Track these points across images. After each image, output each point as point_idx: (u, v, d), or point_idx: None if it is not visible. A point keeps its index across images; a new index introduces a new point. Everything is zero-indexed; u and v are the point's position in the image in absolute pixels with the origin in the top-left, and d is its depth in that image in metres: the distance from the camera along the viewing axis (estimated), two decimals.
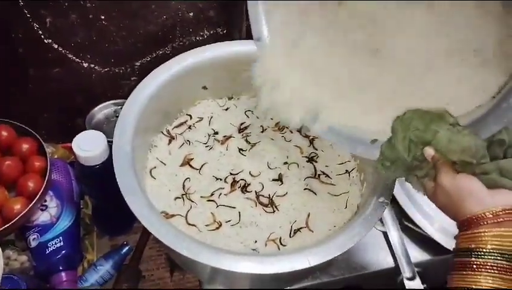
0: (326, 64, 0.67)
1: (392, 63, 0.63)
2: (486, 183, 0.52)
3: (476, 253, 0.49)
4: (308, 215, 0.71)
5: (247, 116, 0.85)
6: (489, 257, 0.49)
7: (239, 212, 0.70)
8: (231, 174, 0.74)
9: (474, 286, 0.49)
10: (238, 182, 0.72)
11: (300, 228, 0.70)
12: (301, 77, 0.68)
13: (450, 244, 0.81)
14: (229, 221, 0.69)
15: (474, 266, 0.49)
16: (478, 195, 0.51)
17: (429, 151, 0.56)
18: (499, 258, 0.48)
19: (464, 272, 0.50)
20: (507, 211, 0.49)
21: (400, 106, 0.60)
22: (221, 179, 0.73)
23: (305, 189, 0.73)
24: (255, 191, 0.72)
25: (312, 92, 0.68)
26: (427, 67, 0.61)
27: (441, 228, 0.83)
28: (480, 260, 0.49)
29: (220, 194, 0.72)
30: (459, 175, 0.53)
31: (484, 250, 0.49)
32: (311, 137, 0.83)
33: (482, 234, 0.49)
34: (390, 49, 0.63)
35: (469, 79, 0.59)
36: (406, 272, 0.80)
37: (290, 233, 0.69)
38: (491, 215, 0.50)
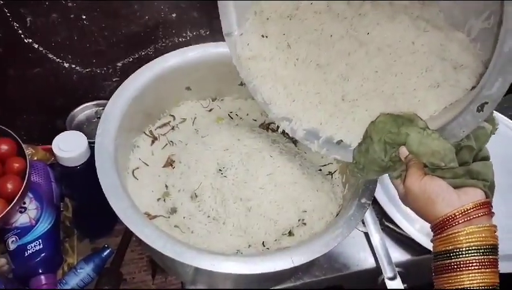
0: (296, 70, 0.68)
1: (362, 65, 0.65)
2: (455, 187, 0.54)
3: (454, 254, 0.51)
4: (299, 219, 0.71)
5: (231, 118, 0.85)
6: (467, 255, 0.50)
7: (223, 214, 0.70)
8: (217, 173, 0.73)
9: (459, 287, 0.50)
10: (222, 183, 0.72)
11: (288, 231, 0.70)
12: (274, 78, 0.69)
13: (430, 244, 0.82)
14: (213, 222, 0.69)
15: (456, 267, 0.50)
16: (446, 196, 0.53)
17: (403, 151, 0.57)
18: (476, 254, 0.50)
19: (447, 275, 0.51)
20: (476, 208, 0.51)
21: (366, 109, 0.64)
22: (204, 180, 0.73)
23: (291, 187, 0.73)
24: (239, 193, 0.72)
25: (284, 98, 0.69)
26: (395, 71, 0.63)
27: (421, 228, 0.84)
28: (460, 259, 0.50)
29: (203, 195, 0.72)
30: (426, 177, 0.55)
31: (461, 249, 0.50)
32: (294, 139, 0.84)
33: (456, 234, 0.51)
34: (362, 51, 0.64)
35: (440, 83, 0.60)
36: (387, 272, 0.81)
37: (275, 237, 0.69)
38: (461, 215, 0.51)
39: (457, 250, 0.51)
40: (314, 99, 0.67)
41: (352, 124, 0.65)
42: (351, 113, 0.65)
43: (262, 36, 0.68)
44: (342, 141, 0.67)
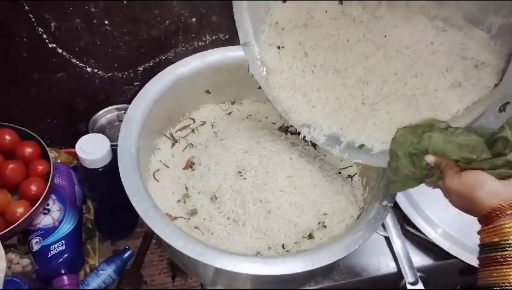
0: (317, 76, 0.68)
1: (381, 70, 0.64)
2: (498, 177, 0.51)
3: (501, 246, 0.49)
4: (319, 222, 0.71)
5: (250, 121, 0.85)
6: None
7: (243, 216, 0.70)
8: (236, 175, 0.74)
9: (505, 281, 0.48)
10: (241, 185, 0.72)
11: (308, 234, 0.70)
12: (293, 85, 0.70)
13: (452, 249, 0.81)
14: (232, 224, 0.69)
15: (502, 260, 0.48)
16: (491, 187, 0.50)
17: (430, 158, 0.56)
18: None
19: (492, 268, 0.49)
20: None
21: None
22: (224, 183, 0.73)
23: (311, 190, 0.73)
24: (258, 195, 0.72)
25: (304, 106, 0.70)
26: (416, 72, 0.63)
27: (443, 232, 0.83)
28: (507, 252, 0.48)
29: (223, 197, 0.72)
30: (465, 172, 0.53)
31: (508, 242, 0.48)
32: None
33: (503, 226, 0.49)
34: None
35: (461, 82, 0.60)
36: (409, 277, 0.80)
37: (295, 239, 0.69)
38: (508, 206, 0.49)
39: (504, 242, 0.48)
40: (334, 104, 0.67)
41: (373, 127, 0.65)
42: (371, 117, 0.65)
43: (279, 47, 0.69)
44: (363, 145, 0.66)
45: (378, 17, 0.64)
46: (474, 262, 0.79)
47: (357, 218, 0.72)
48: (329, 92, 0.67)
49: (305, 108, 0.69)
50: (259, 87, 0.76)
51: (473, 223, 0.83)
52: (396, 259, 0.83)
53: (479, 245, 0.53)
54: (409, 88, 0.62)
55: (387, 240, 0.86)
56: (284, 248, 0.68)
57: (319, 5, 0.67)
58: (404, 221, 0.88)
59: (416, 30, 0.61)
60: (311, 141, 0.82)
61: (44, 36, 0.78)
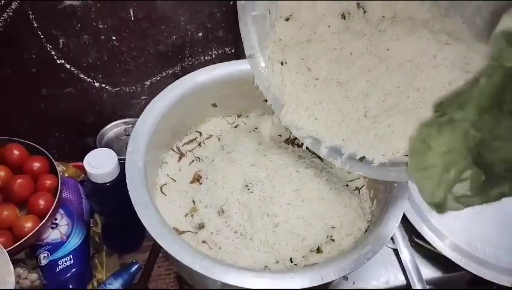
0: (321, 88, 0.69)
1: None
2: None
3: None
4: (327, 236, 0.71)
5: (257, 134, 0.85)
6: None
7: (250, 230, 0.70)
8: (243, 189, 0.74)
9: None
10: (248, 199, 0.72)
11: (316, 248, 0.70)
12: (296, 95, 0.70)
13: (461, 260, 0.81)
14: (240, 238, 0.69)
15: None
16: None
17: None
18: None
19: None
20: None
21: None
22: (231, 196, 0.73)
23: (318, 203, 0.72)
24: (265, 208, 0.72)
25: (306, 119, 0.70)
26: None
27: (452, 244, 0.83)
28: None
29: (230, 211, 0.72)
30: None
31: None
32: None
33: None
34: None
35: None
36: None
37: (303, 253, 0.69)
38: None
39: None
40: (336, 116, 0.67)
41: (374, 140, 0.65)
42: (373, 129, 0.65)
43: (282, 63, 0.70)
44: (364, 157, 0.66)
45: (382, 30, 0.64)
46: (483, 274, 0.80)
47: (365, 231, 0.72)
48: (331, 104, 0.67)
49: (308, 121, 0.69)
50: (266, 100, 0.76)
51: (481, 234, 0.83)
52: (405, 271, 0.82)
53: None
54: (411, 101, 0.62)
55: (396, 252, 0.86)
56: (292, 262, 0.68)
57: (322, 21, 0.67)
58: (412, 233, 0.87)
59: (419, 43, 0.61)
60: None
61: (53, 52, 0.79)
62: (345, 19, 0.66)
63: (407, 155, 0.63)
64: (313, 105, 0.69)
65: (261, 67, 0.71)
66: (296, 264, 0.68)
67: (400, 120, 0.62)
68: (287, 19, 0.68)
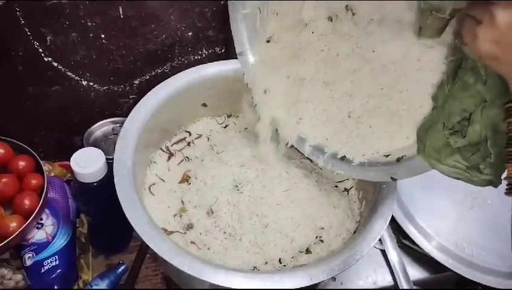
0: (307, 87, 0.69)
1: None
2: None
3: None
4: (316, 237, 0.71)
5: (246, 134, 0.85)
6: None
7: (239, 230, 0.70)
8: (233, 189, 0.73)
9: None
10: (238, 199, 0.72)
11: (305, 249, 0.70)
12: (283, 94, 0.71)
13: (448, 261, 0.82)
14: (229, 238, 0.69)
15: None
16: None
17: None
18: None
19: None
20: None
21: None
22: (220, 196, 0.73)
23: (308, 204, 0.73)
24: (255, 209, 0.72)
25: (292, 118, 0.71)
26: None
27: (438, 245, 0.83)
28: None
29: (219, 211, 0.72)
30: None
31: None
32: None
33: None
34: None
35: None
36: None
37: (292, 254, 0.69)
38: None
39: None
40: (321, 116, 0.68)
41: (355, 140, 0.66)
42: (356, 130, 0.66)
43: (270, 62, 0.70)
44: (345, 156, 0.67)
45: (369, 32, 0.64)
46: (470, 275, 0.81)
47: (354, 232, 0.72)
48: (317, 103, 0.68)
49: (293, 119, 0.70)
50: None
51: (468, 236, 0.84)
52: (393, 272, 0.83)
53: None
54: (394, 103, 0.63)
55: (384, 253, 0.86)
56: (281, 263, 0.68)
57: (310, 23, 0.68)
58: (400, 234, 0.88)
59: (404, 46, 0.62)
60: None
61: (40, 50, 0.78)
62: (332, 21, 0.67)
63: (386, 156, 0.64)
64: (299, 103, 0.69)
65: (251, 65, 0.71)
66: (285, 265, 0.68)
67: (382, 121, 0.63)
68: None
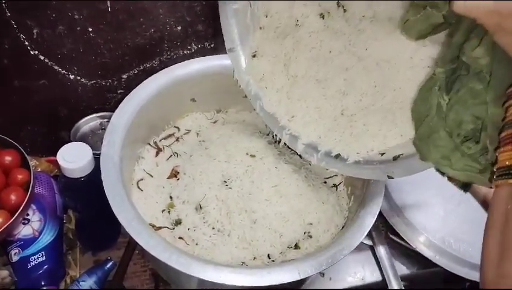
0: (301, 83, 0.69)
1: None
2: None
3: None
4: (304, 232, 0.71)
5: (232, 131, 0.85)
6: None
7: (228, 226, 0.69)
8: (222, 185, 0.73)
9: None
10: (227, 195, 0.72)
11: (294, 244, 0.70)
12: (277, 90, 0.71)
13: (435, 257, 0.82)
14: (217, 234, 0.69)
15: None
16: None
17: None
18: None
19: None
20: None
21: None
22: (209, 192, 0.72)
23: (296, 200, 0.73)
24: (244, 204, 0.71)
25: (284, 115, 0.71)
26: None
27: (426, 241, 0.84)
28: None
29: (208, 207, 0.71)
30: None
31: None
32: None
33: None
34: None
35: None
36: (393, 286, 0.81)
37: (281, 249, 0.69)
38: None
39: None
40: (314, 114, 0.68)
41: (349, 138, 0.66)
42: (349, 128, 0.65)
43: (261, 58, 0.70)
44: (339, 155, 0.67)
45: (361, 30, 0.64)
46: (457, 271, 0.81)
47: (342, 227, 0.72)
48: (310, 101, 0.68)
49: (285, 117, 0.70)
50: (245, 96, 0.76)
51: (455, 232, 0.85)
52: (381, 268, 0.83)
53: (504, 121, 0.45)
54: (387, 101, 0.63)
55: (372, 249, 0.87)
56: (269, 258, 0.68)
57: (301, 20, 0.68)
58: (388, 230, 0.88)
59: (397, 44, 0.62)
60: None
61: (26, 43, 0.77)
62: (324, 18, 0.66)
63: (381, 154, 0.64)
64: (291, 101, 0.69)
65: (241, 62, 0.70)
66: (273, 261, 0.68)
67: (376, 119, 0.63)
68: (266, 15, 0.69)
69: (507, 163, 0.42)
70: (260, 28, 0.71)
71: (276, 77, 0.70)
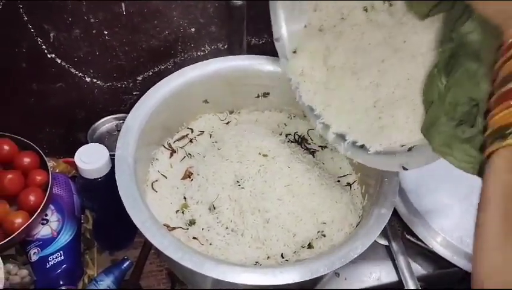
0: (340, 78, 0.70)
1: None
2: None
3: None
4: (318, 231, 0.71)
5: (245, 131, 0.85)
6: None
7: (241, 226, 0.70)
8: (234, 185, 0.73)
9: None
10: (240, 195, 0.72)
11: (307, 244, 0.70)
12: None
13: (452, 258, 0.81)
14: (231, 234, 0.69)
15: None
16: None
17: None
18: None
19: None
20: None
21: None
22: (222, 192, 0.73)
23: (309, 199, 0.72)
24: (256, 204, 0.72)
25: (320, 104, 0.72)
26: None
27: (443, 241, 0.83)
28: None
29: (221, 207, 0.72)
30: None
31: None
32: (312, 150, 0.84)
33: None
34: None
35: None
36: (410, 286, 0.80)
37: (294, 249, 0.69)
38: None
39: None
40: (347, 104, 0.68)
41: (376, 130, 0.65)
42: (378, 120, 0.65)
43: (304, 49, 0.73)
44: (364, 145, 0.66)
45: (403, 23, 0.63)
46: None
47: (356, 226, 0.72)
48: (344, 92, 0.69)
49: (320, 106, 0.72)
50: (258, 96, 0.77)
51: (473, 231, 0.83)
52: (397, 268, 0.83)
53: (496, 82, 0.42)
54: (418, 95, 0.62)
55: (388, 249, 0.86)
56: (283, 258, 0.68)
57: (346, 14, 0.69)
58: (404, 230, 0.87)
59: (433, 38, 0.61)
60: (309, 149, 0.83)
61: (44, 46, 0.79)
62: (367, 11, 0.66)
63: (402, 146, 0.63)
64: (327, 91, 0.70)
65: (286, 52, 0.72)
66: (287, 260, 0.68)
67: (404, 112, 0.61)
68: (314, 10, 0.72)
69: (501, 124, 0.36)
70: (305, 26, 0.74)
71: (316, 70, 0.72)
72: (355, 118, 0.67)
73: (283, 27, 0.75)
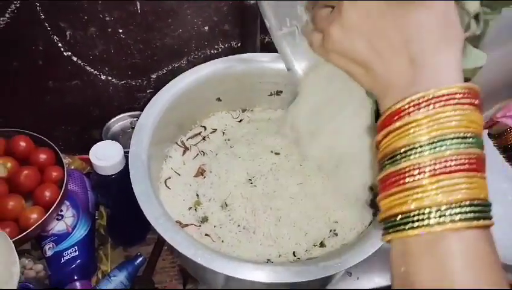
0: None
1: None
2: None
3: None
4: (330, 230, 0.71)
5: (257, 129, 0.85)
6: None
7: (253, 223, 0.70)
8: (247, 183, 0.74)
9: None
10: (252, 193, 0.72)
11: (319, 242, 0.69)
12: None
13: None
14: (243, 231, 0.69)
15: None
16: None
17: None
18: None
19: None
20: None
21: None
22: (234, 190, 0.73)
23: (321, 197, 0.72)
24: (268, 202, 0.72)
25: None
26: None
27: None
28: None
29: (233, 204, 0.72)
30: None
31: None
32: None
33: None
34: None
35: None
36: None
37: (306, 247, 0.69)
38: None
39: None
40: None
41: None
42: None
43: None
44: None
45: None
46: None
47: (369, 225, 0.71)
48: None
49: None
50: (271, 94, 0.77)
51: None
52: None
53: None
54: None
55: None
56: (294, 256, 0.68)
57: None
58: None
59: None
60: None
61: (60, 44, 0.80)
62: None
63: None
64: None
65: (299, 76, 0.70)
66: (299, 258, 0.68)
67: None
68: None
69: (394, 211, 0.35)
70: None
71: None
72: None
73: (290, 56, 0.68)
